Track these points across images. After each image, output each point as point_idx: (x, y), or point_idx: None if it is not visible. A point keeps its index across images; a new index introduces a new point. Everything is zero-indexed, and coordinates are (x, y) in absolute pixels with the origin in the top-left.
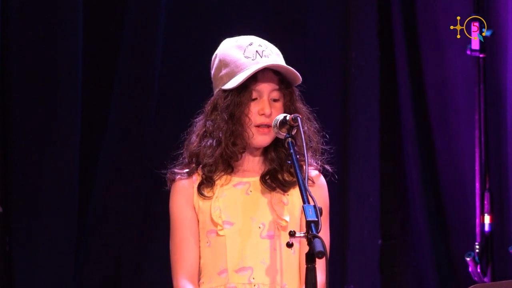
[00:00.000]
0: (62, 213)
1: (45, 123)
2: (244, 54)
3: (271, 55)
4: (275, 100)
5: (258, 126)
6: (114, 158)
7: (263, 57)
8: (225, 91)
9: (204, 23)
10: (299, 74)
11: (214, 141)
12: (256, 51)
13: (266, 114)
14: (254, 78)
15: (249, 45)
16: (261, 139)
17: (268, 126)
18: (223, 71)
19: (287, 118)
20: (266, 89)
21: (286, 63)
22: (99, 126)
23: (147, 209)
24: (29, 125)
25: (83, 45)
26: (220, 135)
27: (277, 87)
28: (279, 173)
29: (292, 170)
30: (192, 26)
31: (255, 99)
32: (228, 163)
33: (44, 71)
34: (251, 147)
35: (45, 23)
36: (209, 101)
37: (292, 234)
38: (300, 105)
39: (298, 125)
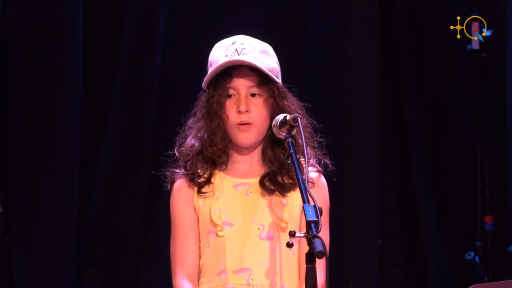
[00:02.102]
0: (62, 213)
1: (45, 123)
2: (225, 53)
3: (251, 52)
4: (254, 95)
5: (239, 124)
6: (114, 158)
7: (240, 54)
8: (204, 90)
9: (204, 23)
10: (269, 72)
11: (197, 140)
12: (236, 49)
13: (241, 111)
14: (229, 76)
15: (232, 44)
16: (242, 136)
17: (249, 123)
18: (208, 71)
19: (287, 118)
20: (241, 85)
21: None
22: (99, 126)
23: (147, 209)
24: (29, 125)
25: (83, 45)
26: (200, 133)
27: (253, 84)
28: (278, 176)
29: (291, 173)
30: (192, 26)
31: (233, 96)
32: (212, 161)
33: (44, 71)
34: (237, 146)
35: (45, 23)
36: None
37: (292, 234)
38: (284, 102)
39: (298, 125)
